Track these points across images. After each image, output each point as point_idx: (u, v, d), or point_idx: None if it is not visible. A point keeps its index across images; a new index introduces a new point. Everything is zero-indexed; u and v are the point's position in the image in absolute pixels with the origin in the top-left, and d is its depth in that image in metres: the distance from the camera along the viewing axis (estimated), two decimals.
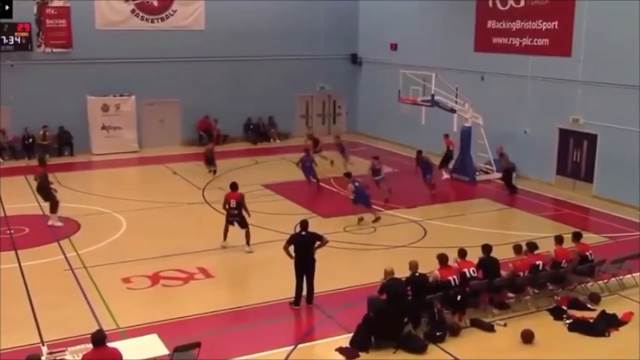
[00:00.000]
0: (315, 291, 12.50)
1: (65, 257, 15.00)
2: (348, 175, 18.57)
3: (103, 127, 26.65)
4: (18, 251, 15.30)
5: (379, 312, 11.06)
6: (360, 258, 15.30)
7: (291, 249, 12.43)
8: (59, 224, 17.24)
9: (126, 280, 13.68)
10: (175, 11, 27.87)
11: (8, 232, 16.72)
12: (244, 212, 15.37)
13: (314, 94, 31.20)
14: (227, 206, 15.40)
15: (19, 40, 25.35)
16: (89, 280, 13.67)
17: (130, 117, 27.01)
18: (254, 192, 19.92)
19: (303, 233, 12.60)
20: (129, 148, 26.86)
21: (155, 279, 13.80)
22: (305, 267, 12.35)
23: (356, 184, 17.73)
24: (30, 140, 25.70)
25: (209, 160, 23.08)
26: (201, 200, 19.33)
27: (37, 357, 8.58)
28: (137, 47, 26.89)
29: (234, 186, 15.62)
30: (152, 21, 27.62)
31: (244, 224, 15.39)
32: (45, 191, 17.45)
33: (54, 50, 26.08)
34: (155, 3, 27.57)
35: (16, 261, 14.71)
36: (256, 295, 13.05)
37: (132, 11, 27.30)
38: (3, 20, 24.52)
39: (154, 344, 10.05)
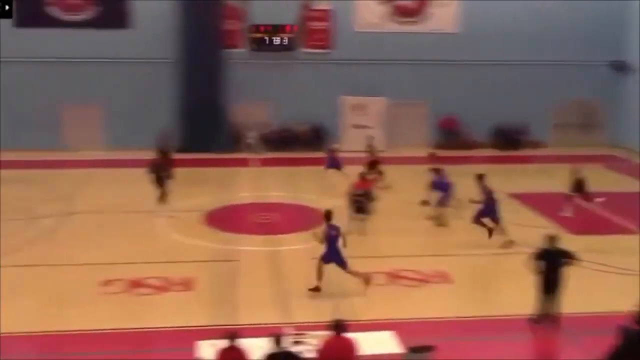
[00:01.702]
0: (559, 311, 11.72)
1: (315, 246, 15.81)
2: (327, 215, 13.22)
3: (354, 126, 27.75)
4: (273, 236, 16.50)
5: (631, 344, 10.01)
6: (615, 282, 13.97)
7: (538, 263, 11.77)
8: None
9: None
10: (431, 13, 28.02)
11: (265, 217, 18.11)
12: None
13: (568, 102, 29.26)
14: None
15: (285, 41, 27.38)
16: (333, 271, 14.18)
17: (379, 117, 27.77)
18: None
19: (551, 248, 11.86)
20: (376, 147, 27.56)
21: (392, 276, 13.97)
22: (551, 284, 11.60)
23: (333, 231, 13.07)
24: (288, 134, 27.62)
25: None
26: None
27: (280, 336, 9.10)
28: (391, 49, 27.51)
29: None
30: (408, 23, 28.06)
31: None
32: (160, 181, 17.98)
33: (315, 50, 27.76)
34: (412, 5, 27.98)
35: (271, 245, 15.88)
36: (495, 306, 12.60)
37: (389, 13, 27.98)
38: (273, 22, 26.79)
39: (389, 341, 10.19)
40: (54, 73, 25.99)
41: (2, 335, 11.05)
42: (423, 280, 13.90)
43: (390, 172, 21.33)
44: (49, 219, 17.67)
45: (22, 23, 25.49)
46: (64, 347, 11.12)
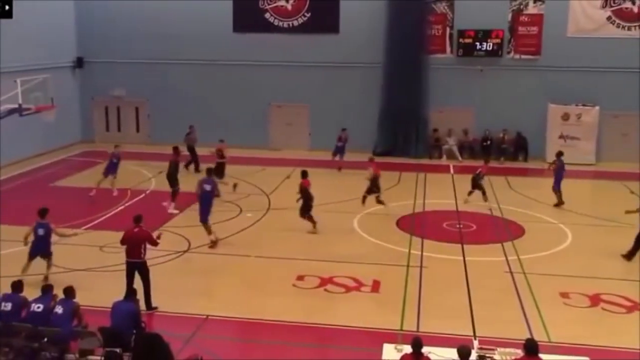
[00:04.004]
0: None
1: (507, 259, 15.21)
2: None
3: (560, 136, 26.22)
4: (464, 245, 16.13)
5: None
6: None
7: None
8: (175, 211, 18.55)
9: (564, 294, 13.17)
10: None
11: (457, 226, 17.78)
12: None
13: None
14: None
15: (490, 46, 26.61)
16: (525, 287, 13.59)
17: (591, 128, 25.95)
18: None
19: None
20: (585, 160, 25.78)
21: (595, 300, 12.99)
22: None
23: None
24: (489, 142, 26.80)
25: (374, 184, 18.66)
26: None
27: (468, 349, 8.82)
28: (607, 56, 25.56)
29: (304, 174, 16.98)
30: (629, 29, 25.94)
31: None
32: (171, 179, 18.93)
33: (522, 57, 26.65)
34: (636, 9, 25.81)
35: (461, 254, 15.52)
36: None
37: (608, 18, 26.07)
38: (479, 27, 26.19)
39: None
40: (266, 75, 27.61)
41: (207, 317, 12.04)
42: (629, 307, 12.73)
43: (599, 187, 19.97)
44: (252, 212, 18.76)
45: (241, 29, 27.53)
46: (256, 333, 11.76)
